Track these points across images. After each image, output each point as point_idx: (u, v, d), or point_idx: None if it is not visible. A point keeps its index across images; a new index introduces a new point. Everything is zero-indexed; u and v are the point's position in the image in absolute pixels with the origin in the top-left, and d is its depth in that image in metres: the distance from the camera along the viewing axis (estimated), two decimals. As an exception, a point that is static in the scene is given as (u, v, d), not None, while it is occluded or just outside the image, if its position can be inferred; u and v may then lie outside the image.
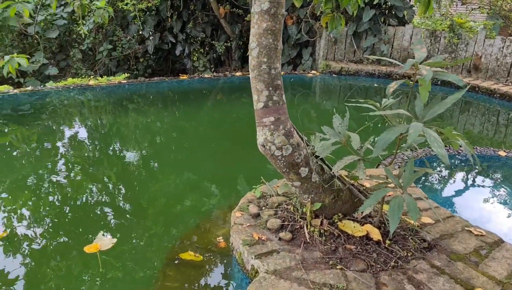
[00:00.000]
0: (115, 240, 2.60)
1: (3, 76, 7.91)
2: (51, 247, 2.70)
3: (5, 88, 6.13)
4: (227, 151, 4.67)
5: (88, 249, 2.46)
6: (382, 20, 9.07)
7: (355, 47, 9.26)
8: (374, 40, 9.02)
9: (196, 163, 4.32)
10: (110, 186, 3.75)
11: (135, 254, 2.58)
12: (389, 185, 2.40)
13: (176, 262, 2.44)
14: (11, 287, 2.31)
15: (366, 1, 8.50)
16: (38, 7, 6.71)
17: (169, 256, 2.53)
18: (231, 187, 3.78)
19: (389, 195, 2.60)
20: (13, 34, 9.00)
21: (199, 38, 10.50)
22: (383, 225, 2.24)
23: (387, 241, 2.11)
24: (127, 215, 3.16)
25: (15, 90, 6.19)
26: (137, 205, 3.33)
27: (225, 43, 10.54)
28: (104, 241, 2.54)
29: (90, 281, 2.32)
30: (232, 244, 2.28)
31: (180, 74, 9.29)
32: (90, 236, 2.75)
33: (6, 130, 5.25)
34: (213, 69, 10.85)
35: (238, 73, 8.36)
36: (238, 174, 3.97)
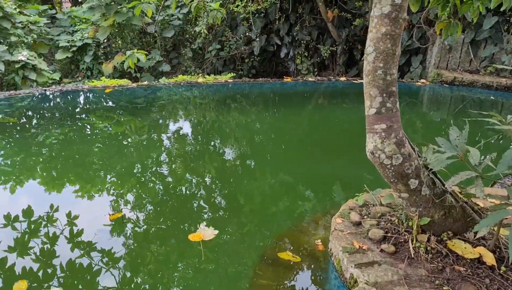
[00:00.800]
0: (217, 231, 2.73)
1: (123, 70, 8.72)
2: (159, 232, 2.92)
3: (124, 82, 6.75)
4: (324, 155, 4.65)
5: (192, 237, 2.63)
6: (505, 29, 8.33)
7: (472, 56, 8.62)
8: (495, 50, 8.32)
9: (293, 165, 4.36)
10: (210, 180, 3.94)
11: (231, 248, 2.69)
12: (509, 207, 2.20)
13: (270, 261, 2.49)
14: (116, 265, 2.54)
15: (488, 8, 7.88)
16: (159, 8, 7.28)
17: (263, 254, 2.59)
18: (326, 192, 3.75)
19: (508, 218, 2.39)
20: (134, 32, 9.86)
21: (305, 41, 10.57)
22: (498, 249, 2.07)
23: (502, 268, 1.93)
24: (225, 210, 3.30)
25: (133, 84, 6.78)
26: (234, 201, 3.46)
27: (331, 47, 10.47)
28: (206, 232, 2.69)
29: (187, 268, 2.47)
30: (330, 249, 2.27)
31: (284, 76, 9.45)
32: (190, 225, 2.92)
33: (122, 120, 5.78)
34: (316, 72, 10.85)
35: (342, 78, 8.27)
36: (334, 180, 3.93)
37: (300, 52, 10.71)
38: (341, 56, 10.56)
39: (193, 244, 2.63)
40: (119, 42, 9.77)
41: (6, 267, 2.54)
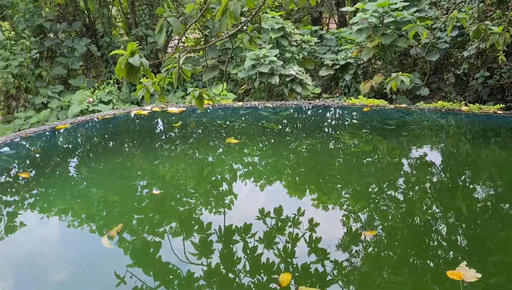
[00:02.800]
0: (479, 275, 2.50)
1: (379, 90, 8.83)
2: (408, 258, 2.84)
3: (381, 102, 6.83)
4: None
5: (450, 274, 2.52)
6: None
7: None
8: None
9: None
10: (456, 216, 3.59)
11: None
12: None
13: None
14: (351, 278, 2.58)
15: None
16: (435, 31, 7.05)
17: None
18: None
19: None
20: (395, 54, 9.87)
21: None
22: None
23: None
24: (486, 251, 2.95)
25: (390, 106, 6.80)
26: (494, 243, 3.05)
27: None
28: (467, 273, 2.51)
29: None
30: None
31: None
32: (445, 262, 2.74)
33: (370, 139, 5.86)
34: None
35: None
36: None
37: None
38: None
39: (453, 281, 2.48)
40: (379, 63, 9.95)
41: (255, 255, 2.92)
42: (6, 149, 4.94)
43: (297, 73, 8.36)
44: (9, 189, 4.32)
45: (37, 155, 5.18)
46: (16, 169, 4.71)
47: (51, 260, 3.03)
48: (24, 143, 5.21)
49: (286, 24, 9.14)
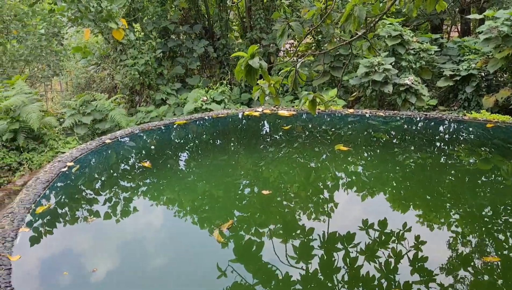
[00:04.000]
0: None
1: (505, 106, 8.10)
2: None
3: (507, 119, 6.31)
4: None
5: None
6: None
7: None
8: None
9: None
10: None
11: None
12: None
13: None
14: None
15: None
16: None
17: None
18: None
19: None
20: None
21: None
22: None
23: None
24: None
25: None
26: None
27: None
28: None
29: None
30: None
31: None
32: None
33: (489, 158, 5.40)
34: None
35: None
36: None
37: None
38: None
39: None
40: (506, 75, 9.10)
41: (355, 266, 2.89)
42: (127, 139, 5.49)
43: (412, 83, 8.01)
44: (126, 176, 4.81)
45: (153, 147, 5.67)
46: (133, 159, 5.21)
47: (153, 245, 3.31)
48: (143, 135, 5.73)
49: (404, 31, 8.81)
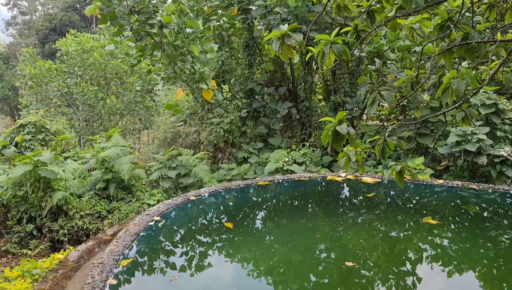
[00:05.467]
0: None
1: None
2: None
3: None
4: None
5: None
6: None
7: None
8: None
9: None
10: None
11: None
12: None
13: None
14: None
15: None
16: None
17: None
18: None
19: None
20: None
21: None
22: None
23: None
24: None
25: None
26: None
27: None
28: None
29: None
30: None
31: None
32: None
33: None
34: None
35: None
36: None
37: None
38: None
39: None
40: None
41: None
42: (211, 197, 5.76)
43: (508, 155, 7.59)
44: (208, 233, 5.00)
45: (235, 206, 5.87)
46: (215, 217, 5.42)
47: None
48: (226, 194, 5.97)
49: (499, 99, 8.49)
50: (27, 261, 5.17)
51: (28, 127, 13.27)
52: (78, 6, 44.85)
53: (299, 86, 11.66)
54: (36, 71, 21.35)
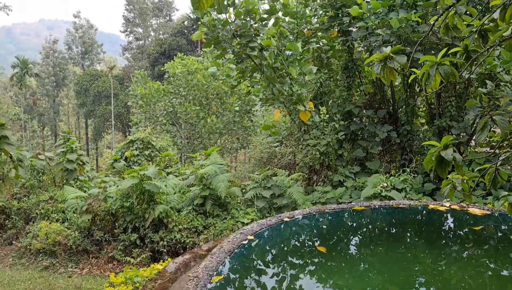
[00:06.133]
0: None
1: None
2: None
3: None
4: None
5: None
6: None
7: None
8: None
9: None
10: None
11: None
12: None
13: None
14: None
15: None
16: None
17: None
18: None
19: None
20: None
21: None
22: None
23: None
24: None
25: None
26: None
27: None
28: None
29: None
30: None
31: None
32: None
33: None
34: None
35: None
36: None
37: None
38: None
39: None
40: None
41: None
42: (305, 219, 5.72)
43: None
44: (300, 256, 4.97)
45: (328, 229, 5.77)
46: (308, 239, 5.38)
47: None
48: (320, 217, 5.90)
49: None
50: (130, 268, 5.56)
51: (136, 143, 14.42)
52: (185, 31, 48.14)
53: (400, 109, 11.25)
54: (146, 91, 23.21)
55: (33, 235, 9.07)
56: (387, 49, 3.05)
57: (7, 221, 10.06)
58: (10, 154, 11.13)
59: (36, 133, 61.80)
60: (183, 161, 21.13)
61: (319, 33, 11.30)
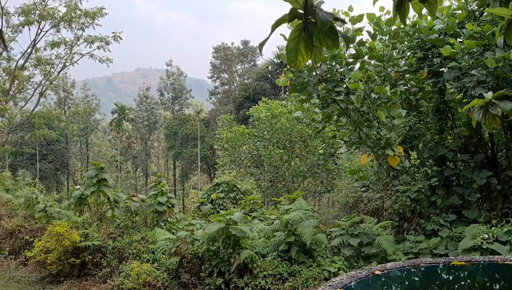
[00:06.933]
0: None
1: None
2: None
3: None
4: None
5: None
6: None
7: None
8: None
9: None
10: None
11: None
12: None
13: None
14: None
15: None
16: None
17: None
18: None
19: None
20: None
21: None
22: None
23: None
24: None
25: None
26: None
27: None
28: None
29: None
30: None
31: None
32: None
33: None
34: None
35: None
36: None
37: None
38: None
39: None
40: None
41: None
42: (398, 273, 5.39)
43: None
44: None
45: (425, 287, 5.37)
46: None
47: None
48: (415, 271, 5.53)
49: None
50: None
51: (222, 186, 14.79)
52: (269, 75, 49.48)
53: (500, 153, 10.43)
54: (231, 135, 23.96)
55: (125, 274, 9.48)
56: (489, 95, 2.86)
57: (102, 259, 10.64)
58: (108, 196, 11.96)
59: (130, 174, 66.06)
60: (266, 203, 21.22)
61: (407, 75, 10.99)
